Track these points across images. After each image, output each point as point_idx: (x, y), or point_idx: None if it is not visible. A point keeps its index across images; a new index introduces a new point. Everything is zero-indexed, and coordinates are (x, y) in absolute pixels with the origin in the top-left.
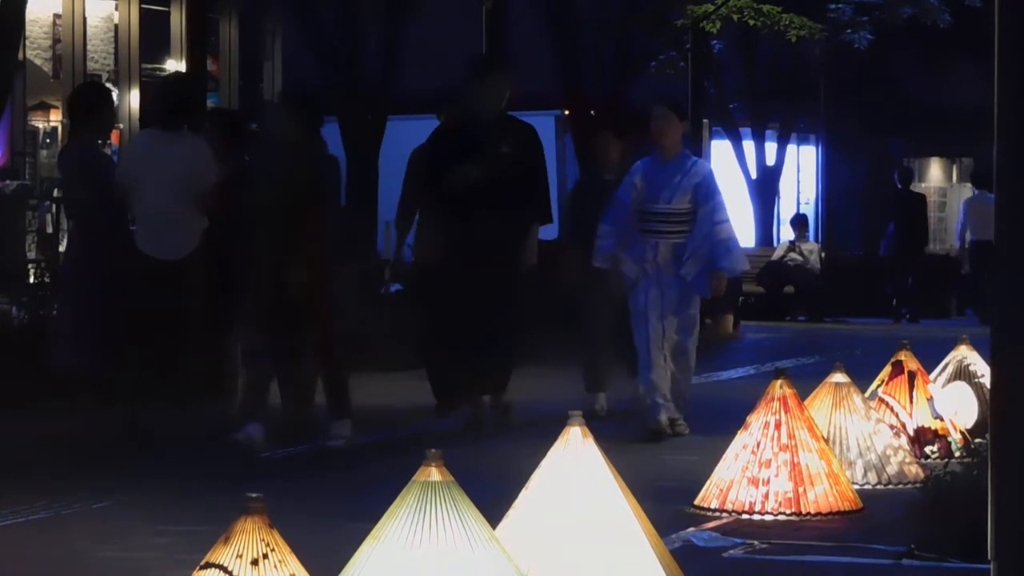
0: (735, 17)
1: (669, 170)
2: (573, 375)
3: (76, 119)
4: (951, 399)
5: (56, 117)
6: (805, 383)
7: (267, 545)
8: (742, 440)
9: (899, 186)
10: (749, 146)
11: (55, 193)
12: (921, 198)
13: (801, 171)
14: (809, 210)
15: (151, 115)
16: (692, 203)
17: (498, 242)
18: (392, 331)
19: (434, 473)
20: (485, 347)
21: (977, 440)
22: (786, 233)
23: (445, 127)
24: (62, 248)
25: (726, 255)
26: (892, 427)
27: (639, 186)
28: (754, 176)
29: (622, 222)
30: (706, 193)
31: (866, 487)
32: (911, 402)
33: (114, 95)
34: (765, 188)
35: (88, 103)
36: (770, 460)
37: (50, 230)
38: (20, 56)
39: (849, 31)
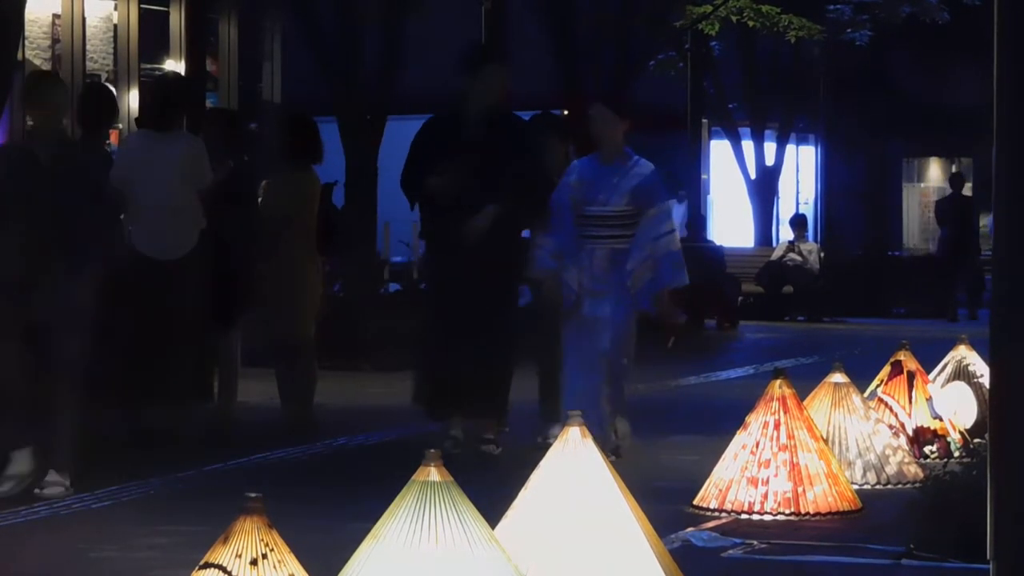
0: (734, 18)
1: (608, 171)
2: None
3: (83, 122)
4: (950, 399)
5: None
6: (804, 383)
7: (266, 545)
8: (741, 440)
9: (951, 190)
10: (748, 146)
11: None
12: (970, 201)
13: (800, 171)
14: (808, 210)
15: (143, 116)
16: (633, 206)
17: (486, 245)
18: (391, 331)
19: (433, 473)
20: (469, 363)
21: (976, 440)
22: (785, 233)
23: (433, 121)
24: None
25: (671, 269)
26: (891, 427)
27: (576, 188)
28: (753, 176)
29: (561, 226)
30: (649, 196)
31: (865, 487)
32: (910, 402)
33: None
34: (764, 188)
35: (92, 104)
36: (769, 460)
37: None
38: (19, 56)
39: (849, 30)
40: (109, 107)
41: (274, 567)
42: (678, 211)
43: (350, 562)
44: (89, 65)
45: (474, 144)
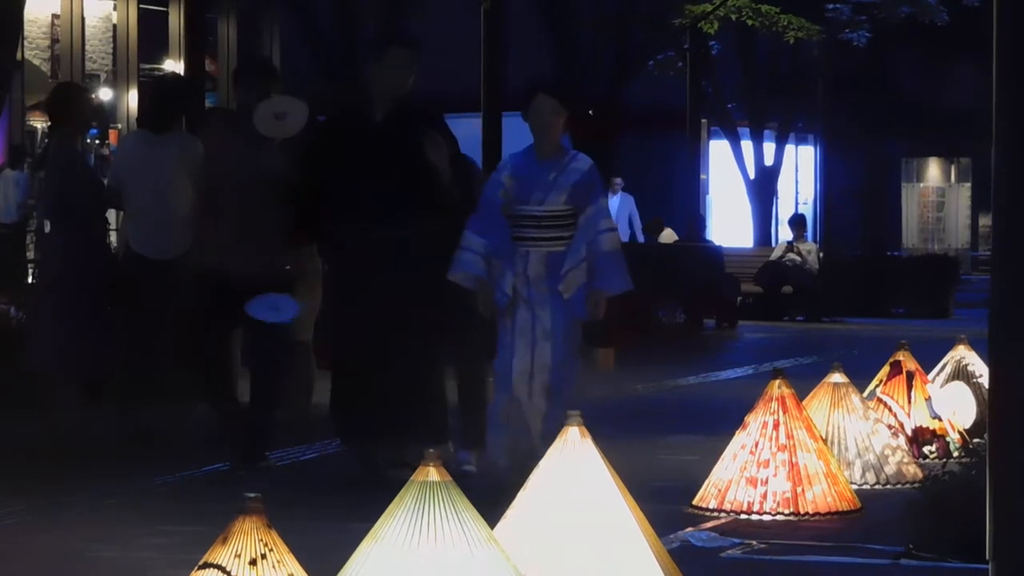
0: (733, 17)
1: (543, 167)
2: None
3: (53, 119)
4: (949, 399)
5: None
6: (803, 383)
7: (265, 545)
8: (740, 440)
9: None
10: (747, 146)
11: None
12: None
13: (799, 171)
14: (807, 210)
15: (140, 117)
16: (570, 205)
17: (391, 252)
18: None
19: (432, 473)
20: (387, 382)
21: (975, 440)
22: (784, 233)
23: (331, 119)
24: None
25: (609, 272)
26: (890, 427)
27: (508, 185)
28: (752, 176)
29: (492, 227)
30: (587, 194)
31: (864, 487)
32: (909, 402)
33: (112, 95)
34: (763, 188)
35: (62, 102)
36: (768, 460)
37: (48, 230)
38: (18, 56)
39: (848, 31)
40: (77, 102)
41: (273, 567)
42: (616, 203)
43: (349, 562)
44: (88, 65)
45: (381, 139)
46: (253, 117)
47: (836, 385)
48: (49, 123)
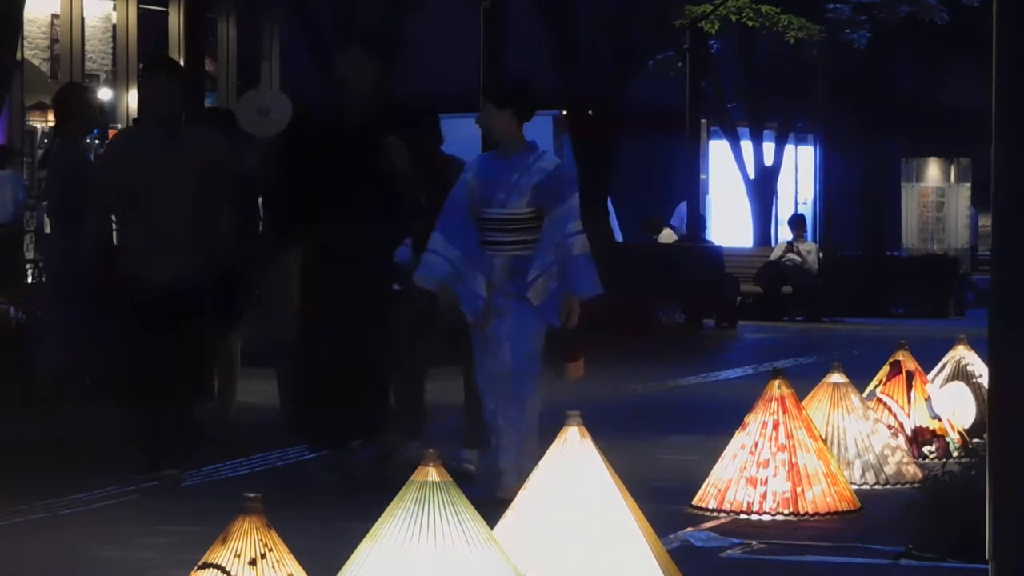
0: (733, 17)
1: (507, 166)
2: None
3: (58, 119)
4: (949, 399)
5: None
6: (803, 383)
7: (265, 545)
8: (740, 440)
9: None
10: (747, 146)
11: None
12: None
13: (799, 171)
14: (807, 210)
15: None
16: (533, 208)
17: (350, 257)
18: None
19: (432, 473)
20: (341, 383)
21: (975, 440)
22: (784, 233)
23: (300, 119)
24: None
25: (581, 276)
26: (890, 427)
27: (473, 186)
28: (752, 176)
29: (457, 228)
30: (553, 195)
31: (864, 487)
32: (909, 402)
33: (112, 95)
34: (763, 188)
35: (66, 102)
36: (768, 460)
37: (48, 230)
38: (18, 56)
39: (848, 30)
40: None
41: (273, 567)
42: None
43: (349, 562)
44: (88, 65)
45: (342, 141)
46: (236, 112)
47: (836, 385)
48: (53, 122)
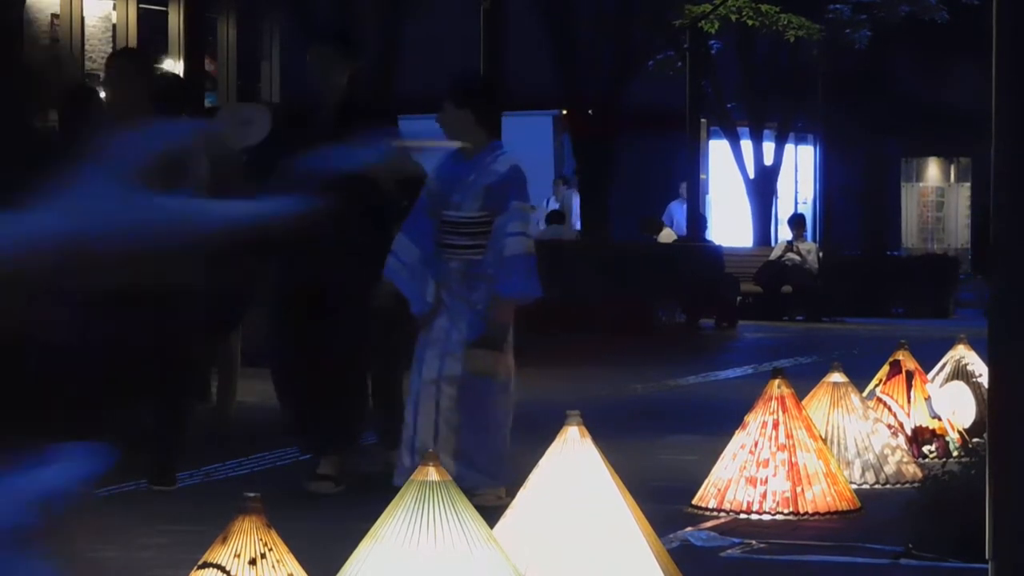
0: (733, 17)
1: (465, 167)
2: (569, 375)
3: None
4: (949, 399)
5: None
6: (803, 383)
7: (265, 545)
8: (740, 440)
9: None
10: (747, 146)
11: None
12: None
13: (799, 171)
14: (807, 210)
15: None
16: (486, 211)
17: (323, 263)
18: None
19: (432, 473)
20: (324, 388)
21: (975, 440)
22: (784, 233)
23: (279, 114)
24: None
25: (509, 275)
26: (890, 427)
27: (432, 187)
28: (752, 176)
29: (418, 230)
30: (502, 197)
31: (864, 487)
32: (909, 402)
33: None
34: (763, 188)
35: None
36: (768, 460)
37: None
38: None
39: (847, 30)
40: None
41: (273, 567)
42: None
43: (349, 562)
44: (88, 65)
45: (314, 138)
46: (218, 121)
47: (836, 385)
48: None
